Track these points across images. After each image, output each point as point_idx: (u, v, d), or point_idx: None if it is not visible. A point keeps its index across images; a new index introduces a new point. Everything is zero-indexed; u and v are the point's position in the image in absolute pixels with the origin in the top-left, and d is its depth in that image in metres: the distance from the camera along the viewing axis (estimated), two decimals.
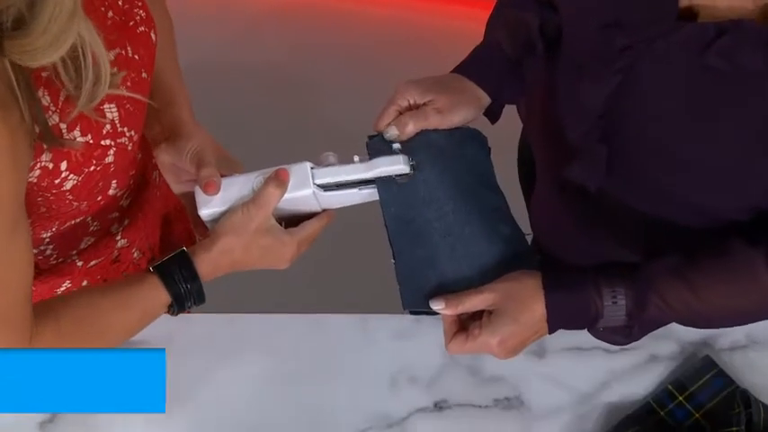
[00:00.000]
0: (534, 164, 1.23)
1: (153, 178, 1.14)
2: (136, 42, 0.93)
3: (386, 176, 0.98)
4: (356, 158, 0.98)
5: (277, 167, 0.97)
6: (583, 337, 1.12)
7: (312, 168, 0.97)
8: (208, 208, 0.98)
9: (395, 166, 0.98)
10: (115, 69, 0.88)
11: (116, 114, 0.89)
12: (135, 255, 1.15)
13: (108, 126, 0.89)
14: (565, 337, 1.08)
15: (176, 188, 1.08)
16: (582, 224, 1.10)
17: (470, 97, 1.05)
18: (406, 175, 0.98)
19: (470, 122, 1.06)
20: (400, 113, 1.03)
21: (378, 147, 1.02)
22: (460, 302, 0.97)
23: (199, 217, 0.99)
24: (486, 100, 1.07)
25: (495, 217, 1.02)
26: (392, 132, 1.01)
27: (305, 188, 0.97)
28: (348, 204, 1.01)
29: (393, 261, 0.99)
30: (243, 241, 0.96)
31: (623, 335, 1.04)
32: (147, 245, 1.16)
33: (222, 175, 0.98)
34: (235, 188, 0.97)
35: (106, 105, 0.88)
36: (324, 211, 1.02)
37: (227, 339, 1.13)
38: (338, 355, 1.12)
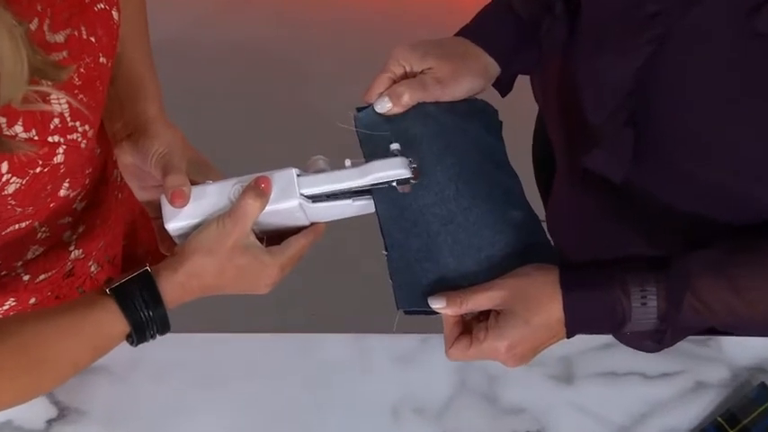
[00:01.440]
0: (553, 151, 1.19)
1: (113, 177, 1.07)
2: (92, 21, 0.87)
3: (383, 184, 0.93)
4: (348, 162, 0.93)
5: (257, 174, 0.91)
6: (617, 360, 1.07)
7: (299, 176, 0.92)
8: (176, 221, 0.91)
9: (393, 170, 0.92)
10: (65, 53, 0.83)
11: (66, 106, 0.84)
12: (92, 268, 1.08)
13: (56, 120, 0.83)
14: (596, 360, 1.06)
15: (140, 195, 1.00)
16: (606, 222, 1.06)
17: (476, 65, 0.99)
18: (408, 181, 0.93)
19: (477, 94, 1.01)
20: (394, 82, 0.97)
21: (366, 122, 0.97)
22: (464, 300, 0.91)
23: (166, 231, 0.93)
24: (494, 69, 1.01)
25: (505, 201, 0.97)
26: (384, 104, 0.96)
27: (290, 199, 0.91)
28: (340, 218, 0.96)
29: (385, 253, 0.94)
30: (216, 261, 0.89)
31: (654, 340, 0.98)
32: (105, 257, 1.10)
33: (193, 183, 0.92)
34: (208, 198, 0.91)
35: (54, 95, 0.82)
36: (312, 224, 0.96)
37: (203, 363, 1.09)
38: (331, 381, 1.07)
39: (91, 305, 0.87)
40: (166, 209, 0.91)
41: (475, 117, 1.01)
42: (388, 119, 0.97)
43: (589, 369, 1.07)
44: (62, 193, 0.94)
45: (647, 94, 0.92)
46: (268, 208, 0.90)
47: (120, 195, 1.10)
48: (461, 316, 0.94)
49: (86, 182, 0.99)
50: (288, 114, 2.33)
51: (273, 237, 0.94)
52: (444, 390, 1.07)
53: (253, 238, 0.91)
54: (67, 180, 0.93)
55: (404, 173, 0.91)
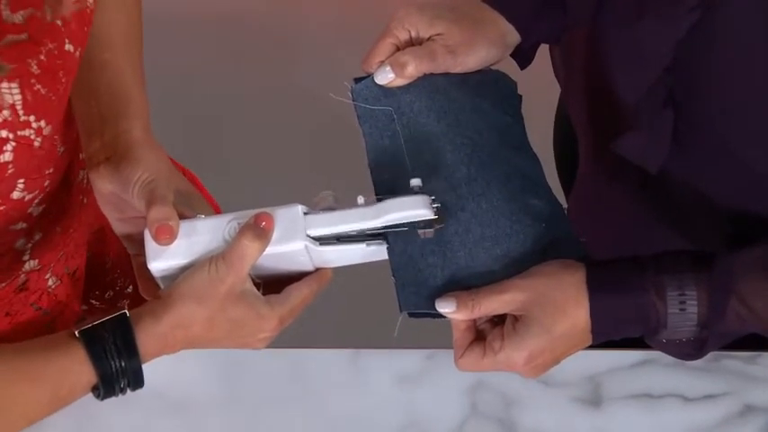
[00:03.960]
0: (576, 136, 1.17)
1: (79, 179, 1.02)
2: (59, 2, 0.82)
3: (402, 227, 0.89)
4: (360, 199, 0.89)
5: (257, 211, 0.87)
6: (653, 380, 1.04)
7: (305, 214, 0.88)
8: (160, 261, 0.87)
9: (412, 210, 0.88)
10: (25, 36, 0.79)
11: (18, 97, 0.79)
12: (50, 282, 1.02)
13: (6, 112, 0.79)
14: (628, 380, 1.03)
15: (119, 227, 0.96)
16: (637, 217, 1.06)
17: (493, 32, 0.96)
18: (431, 224, 0.89)
19: (492, 66, 0.99)
20: (398, 49, 0.94)
21: (365, 95, 0.95)
22: (477, 303, 0.88)
23: (148, 270, 0.89)
24: (513, 37, 0.97)
25: (524, 188, 0.94)
26: (385, 74, 0.93)
27: (294, 241, 0.87)
28: (349, 263, 0.92)
29: (387, 247, 0.91)
30: (207, 311, 0.85)
31: (693, 347, 0.96)
32: (65, 269, 1.04)
33: (182, 217, 0.88)
34: (199, 236, 0.88)
35: (5, 84, 0.78)
36: (317, 270, 0.92)
37: (174, 387, 1.05)
38: (324, 403, 1.04)
39: (54, 347, 0.84)
40: (150, 246, 0.87)
41: (490, 91, 0.98)
42: (389, 91, 0.94)
43: (620, 390, 1.04)
44: (16, 195, 0.88)
45: (689, 70, 0.90)
46: (269, 250, 0.87)
47: (85, 200, 1.05)
48: (474, 321, 0.91)
49: (46, 184, 0.93)
50: (276, 94, 2.32)
51: (271, 283, 0.91)
52: (454, 414, 1.03)
53: (249, 285, 0.87)
54: (22, 181, 0.88)
55: (425, 214, 0.88)
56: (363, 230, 0.89)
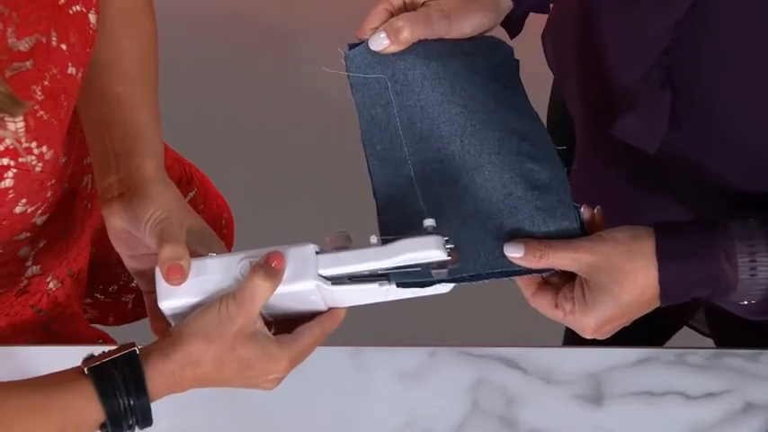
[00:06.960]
0: (571, 123, 1.16)
1: (83, 185, 1.03)
2: (66, 26, 0.82)
3: (414, 267, 0.88)
4: (373, 239, 0.89)
5: (269, 249, 0.86)
6: (654, 377, 1.04)
7: (317, 253, 0.88)
8: (171, 300, 0.87)
9: (426, 251, 0.87)
10: (30, 63, 0.79)
11: (21, 124, 0.80)
12: (51, 285, 1.03)
13: (8, 140, 0.80)
14: (629, 377, 1.03)
15: (130, 263, 0.95)
16: (640, 200, 1.06)
17: None
18: (445, 265, 0.88)
19: (485, 33, 0.97)
20: (392, 15, 0.93)
21: (359, 62, 0.94)
22: (545, 255, 0.88)
23: (159, 308, 0.89)
24: (506, 3, 0.97)
25: (520, 151, 0.93)
26: (380, 40, 0.92)
27: (306, 280, 0.87)
28: (362, 303, 0.91)
29: (378, 218, 0.92)
30: (216, 350, 0.85)
31: (763, 306, 0.95)
32: (68, 271, 1.04)
33: (194, 255, 0.88)
34: (210, 275, 0.88)
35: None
36: (329, 309, 0.91)
37: None
38: (324, 401, 1.04)
39: (63, 384, 0.83)
40: (161, 285, 0.87)
41: (485, 56, 0.97)
42: (384, 58, 0.93)
43: (621, 388, 1.04)
44: (18, 210, 0.89)
45: (687, 51, 0.89)
46: (280, 289, 0.87)
47: (89, 205, 1.05)
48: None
49: (48, 195, 0.93)
50: (281, 92, 2.31)
51: (283, 321, 0.91)
52: (455, 412, 1.03)
53: (260, 325, 0.87)
54: (24, 198, 0.88)
55: (439, 255, 0.87)
56: (375, 270, 0.88)
